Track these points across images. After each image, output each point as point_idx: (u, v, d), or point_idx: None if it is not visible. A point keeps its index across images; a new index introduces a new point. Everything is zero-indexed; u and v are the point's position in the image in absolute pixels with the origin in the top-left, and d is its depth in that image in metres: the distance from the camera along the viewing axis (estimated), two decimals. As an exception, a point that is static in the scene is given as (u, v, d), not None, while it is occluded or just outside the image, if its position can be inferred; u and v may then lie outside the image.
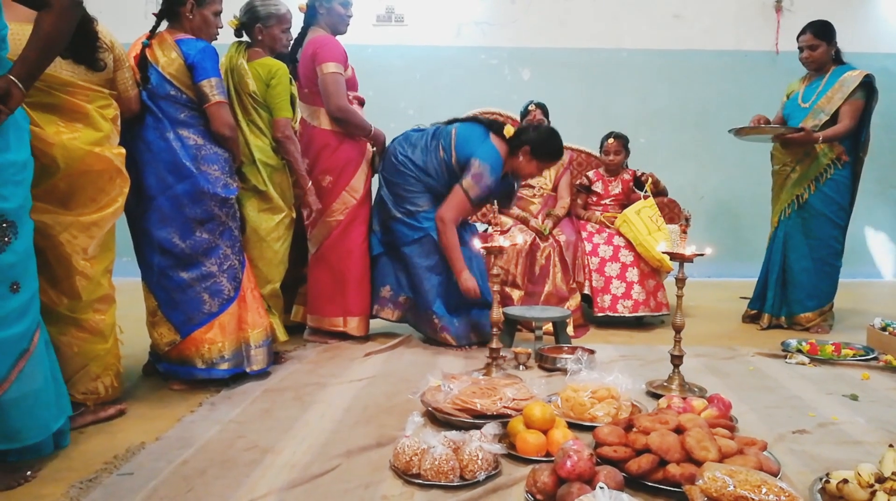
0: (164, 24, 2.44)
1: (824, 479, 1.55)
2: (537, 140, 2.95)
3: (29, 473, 1.68)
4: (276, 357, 2.74)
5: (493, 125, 3.04)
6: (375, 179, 3.25)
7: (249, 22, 2.76)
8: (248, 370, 2.49)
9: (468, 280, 2.93)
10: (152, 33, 2.38)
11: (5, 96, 1.58)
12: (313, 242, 3.13)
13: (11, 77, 1.59)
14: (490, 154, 2.93)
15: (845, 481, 1.48)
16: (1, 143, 1.62)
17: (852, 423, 2.08)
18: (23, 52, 1.66)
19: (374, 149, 3.21)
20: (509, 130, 2.96)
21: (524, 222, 3.60)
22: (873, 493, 1.44)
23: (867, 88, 3.29)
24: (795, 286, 3.42)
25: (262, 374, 2.55)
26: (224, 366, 2.40)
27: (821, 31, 3.34)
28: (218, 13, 2.50)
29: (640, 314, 3.46)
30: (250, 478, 1.68)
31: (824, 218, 3.35)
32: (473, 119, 3.16)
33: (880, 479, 1.46)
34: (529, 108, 3.72)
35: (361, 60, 3.13)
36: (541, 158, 2.97)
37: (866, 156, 3.40)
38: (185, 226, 2.35)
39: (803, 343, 2.94)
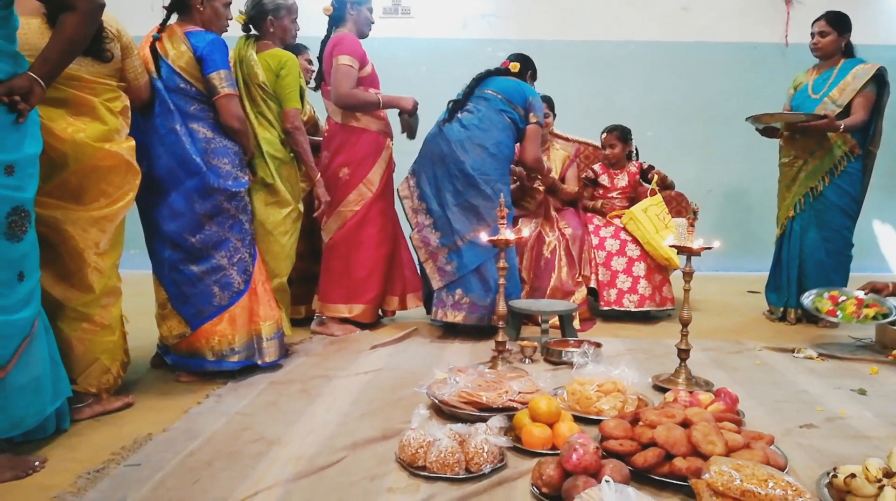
0: (174, 18, 2.43)
1: (832, 473, 1.54)
2: (531, 63, 3.44)
3: (37, 463, 1.70)
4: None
5: (500, 70, 3.29)
6: (396, 178, 3.25)
7: (258, 15, 2.75)
8: (259, 362, 2.49)
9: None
10: (163, 26, 2.38)
11: (28, 94, 1.63)
12: (327, 231, 3.19)
13: (34, 76, 1.64)
14: (529, 87, 3.29)
15: (853, 475, 1.47)
16: (21, 138, 1.66)
17: (860, 417, 2.07)
18: (44, 51, 1.70)
19: (401, 116, 3.23)
20: (515, 66, 3.29)
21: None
22: (881, 488, 1.43)
23: (879, 80, 3.27)
24: (810, 278, 3.40)
25: (273, 366, 2.56)
26: (234, 358, 2.41)
27: (834, 20, 3.31)
28: (228, 4, 2.50)
29: (645, 308, 3.46)
30: (256, 470, 1.69)
31: (838, 209, 3.34)
32: (484, 77, 3.24)
33: (888, 474, 1.45)
34: None
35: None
36: (535, 77, 3.49)
37: (877, 149, 3.37)
38: (194, 221, 2.36)
39: (825, 295, 2.92)
